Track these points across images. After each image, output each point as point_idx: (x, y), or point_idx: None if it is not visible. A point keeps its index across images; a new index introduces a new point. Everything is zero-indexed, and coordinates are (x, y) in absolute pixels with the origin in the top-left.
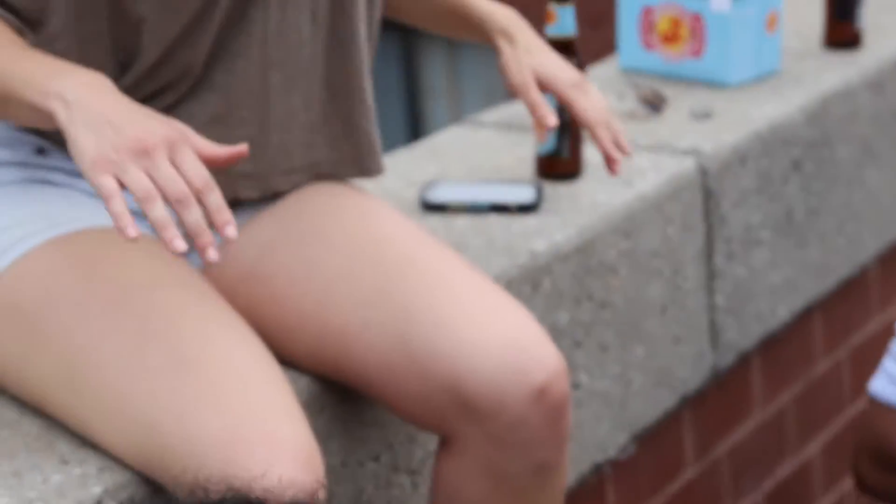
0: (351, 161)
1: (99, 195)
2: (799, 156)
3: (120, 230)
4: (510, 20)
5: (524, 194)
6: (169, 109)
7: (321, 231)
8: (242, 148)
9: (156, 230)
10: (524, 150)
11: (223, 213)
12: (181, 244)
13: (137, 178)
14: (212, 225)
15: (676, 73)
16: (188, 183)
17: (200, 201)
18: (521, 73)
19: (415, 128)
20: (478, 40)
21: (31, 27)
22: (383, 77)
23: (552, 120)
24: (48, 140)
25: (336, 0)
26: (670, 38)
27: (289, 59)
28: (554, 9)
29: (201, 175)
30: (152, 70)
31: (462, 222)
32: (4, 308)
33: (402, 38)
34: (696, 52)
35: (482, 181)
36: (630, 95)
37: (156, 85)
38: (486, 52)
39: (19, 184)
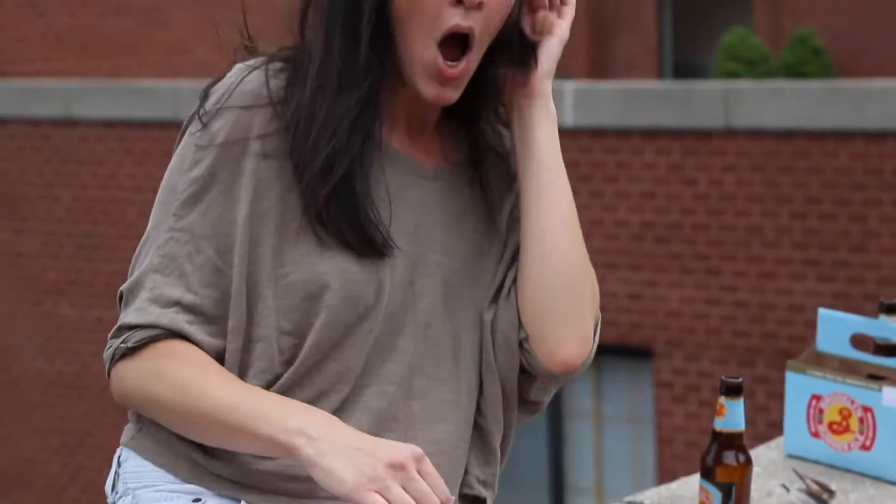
0: (492, 480)
1: None
2: None
3: None
4: None
5: None
6: None
7: None
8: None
9: None
10: None
11: None
12: None
13: (399, 493)
14: None
15: (844, 464)
16: (436, 492)
17: None
18: None
19: (557, 448)
20: None
21: (221, 334)
22: None
23: None
24: (205, 486)
25: (468, 334)
26: (839, 428)
27: (430, 393)
28: (724, 403)
29: (445, 488)
30: (307, 375)
31: None
32: None
33: None
34: (866, 446)
35: None
36: (795, 486)
37: (308, 393)
38: (629, 376)
39: None
